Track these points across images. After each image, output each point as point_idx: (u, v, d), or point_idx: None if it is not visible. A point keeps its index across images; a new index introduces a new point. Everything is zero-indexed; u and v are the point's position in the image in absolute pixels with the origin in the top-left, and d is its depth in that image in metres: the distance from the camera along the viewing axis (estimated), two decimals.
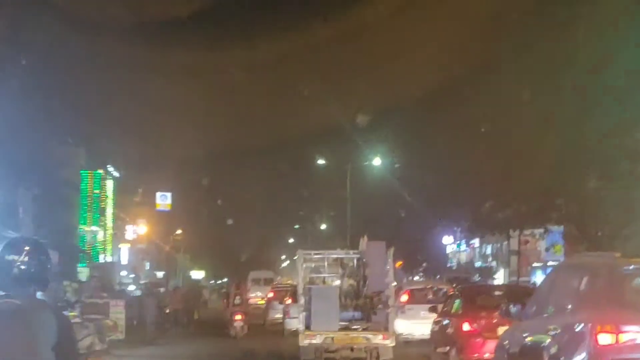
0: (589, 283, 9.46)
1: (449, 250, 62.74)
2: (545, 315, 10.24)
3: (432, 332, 18.59)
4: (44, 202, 43.93)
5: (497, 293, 18.12)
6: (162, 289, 45.19)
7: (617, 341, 8.67)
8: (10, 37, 31.35)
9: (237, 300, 29.95)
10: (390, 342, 17.85)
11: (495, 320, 14.93)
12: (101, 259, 58.98)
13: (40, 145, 41.56)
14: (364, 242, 19.48)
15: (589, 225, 27.18)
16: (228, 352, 23.82)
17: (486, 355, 15.03)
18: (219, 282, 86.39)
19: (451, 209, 41.10)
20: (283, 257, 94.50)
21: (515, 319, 11.41)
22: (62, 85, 38.44)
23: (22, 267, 4.27)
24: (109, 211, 61.86)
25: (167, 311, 34.64)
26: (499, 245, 54.24)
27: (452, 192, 35.99)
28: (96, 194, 57.95)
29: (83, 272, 47.24)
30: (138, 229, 70.59)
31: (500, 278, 50.61)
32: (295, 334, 20.00)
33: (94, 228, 58.33)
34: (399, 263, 55.32)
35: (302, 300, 18.56)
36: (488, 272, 47.32)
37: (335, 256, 20.04)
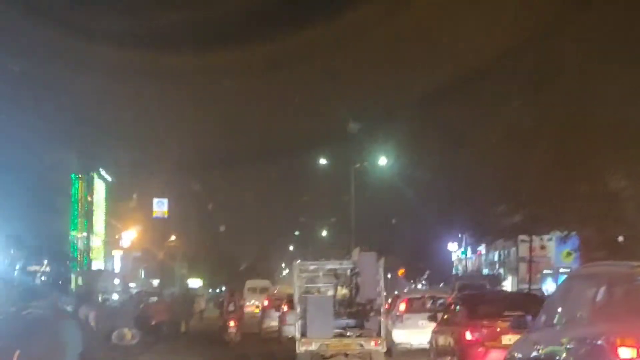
0: (607, 293, 9.13)
1: (454, 257, 61.58)
2: (558, 326, 9.89)
3: (432, 342, 18.24)
4: (34, 207, 43.04)
5: (501, 300, 17.88)
6: (155, 298, 43.21)
7: (638, 355, 8.23)
8: (1, 42, 31.26)
9: (231, 307, 30.43)
10: (381, 348, 18.87)
11: (498, 329, 14.72)
12: (94, 266, 57.85)
13: (31, 150, 41.25)
14: (356, 252, 20.82)
15: (610, 229, 25.70)
16: None
17: None
18: (217, 291, 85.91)
19: (457, 214, 40.20)
20: (283, 265, 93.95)
21: (528, 330, 10.84)
22: (54, 90, 38.33)
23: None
24: (101, 217, 60.90)
25: (153, 323, 32.81)
26: (506, 252, 53.30)
27: (460, 196, 35.10)
28: (87, 200, 57.17)
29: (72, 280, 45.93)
30: (131, 236, 69.51)
31: (508, 286, 49.72)
32: (292, 340, 20.78)
33: (85, 234, 57.32)
34: (401, 271, 54.34)
35: (298, 309, 19.50)
36: (496, 280, 45.86)
37: (329, 267, 21.00)
